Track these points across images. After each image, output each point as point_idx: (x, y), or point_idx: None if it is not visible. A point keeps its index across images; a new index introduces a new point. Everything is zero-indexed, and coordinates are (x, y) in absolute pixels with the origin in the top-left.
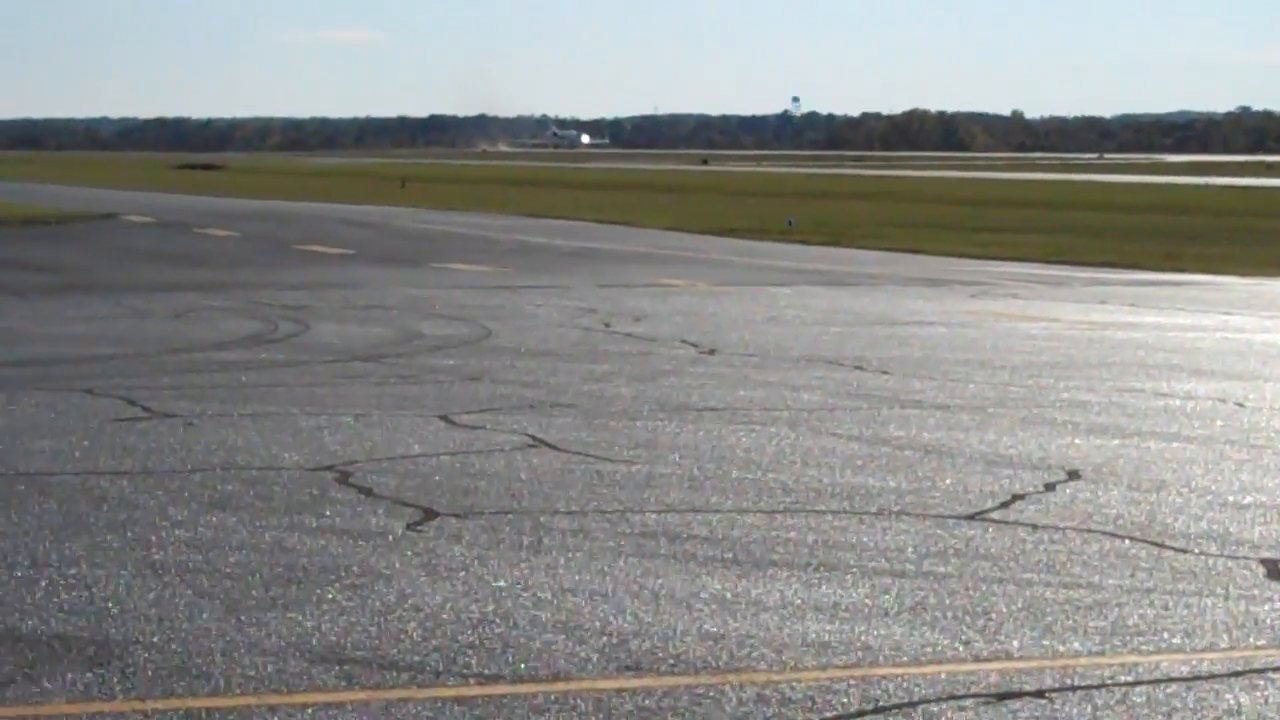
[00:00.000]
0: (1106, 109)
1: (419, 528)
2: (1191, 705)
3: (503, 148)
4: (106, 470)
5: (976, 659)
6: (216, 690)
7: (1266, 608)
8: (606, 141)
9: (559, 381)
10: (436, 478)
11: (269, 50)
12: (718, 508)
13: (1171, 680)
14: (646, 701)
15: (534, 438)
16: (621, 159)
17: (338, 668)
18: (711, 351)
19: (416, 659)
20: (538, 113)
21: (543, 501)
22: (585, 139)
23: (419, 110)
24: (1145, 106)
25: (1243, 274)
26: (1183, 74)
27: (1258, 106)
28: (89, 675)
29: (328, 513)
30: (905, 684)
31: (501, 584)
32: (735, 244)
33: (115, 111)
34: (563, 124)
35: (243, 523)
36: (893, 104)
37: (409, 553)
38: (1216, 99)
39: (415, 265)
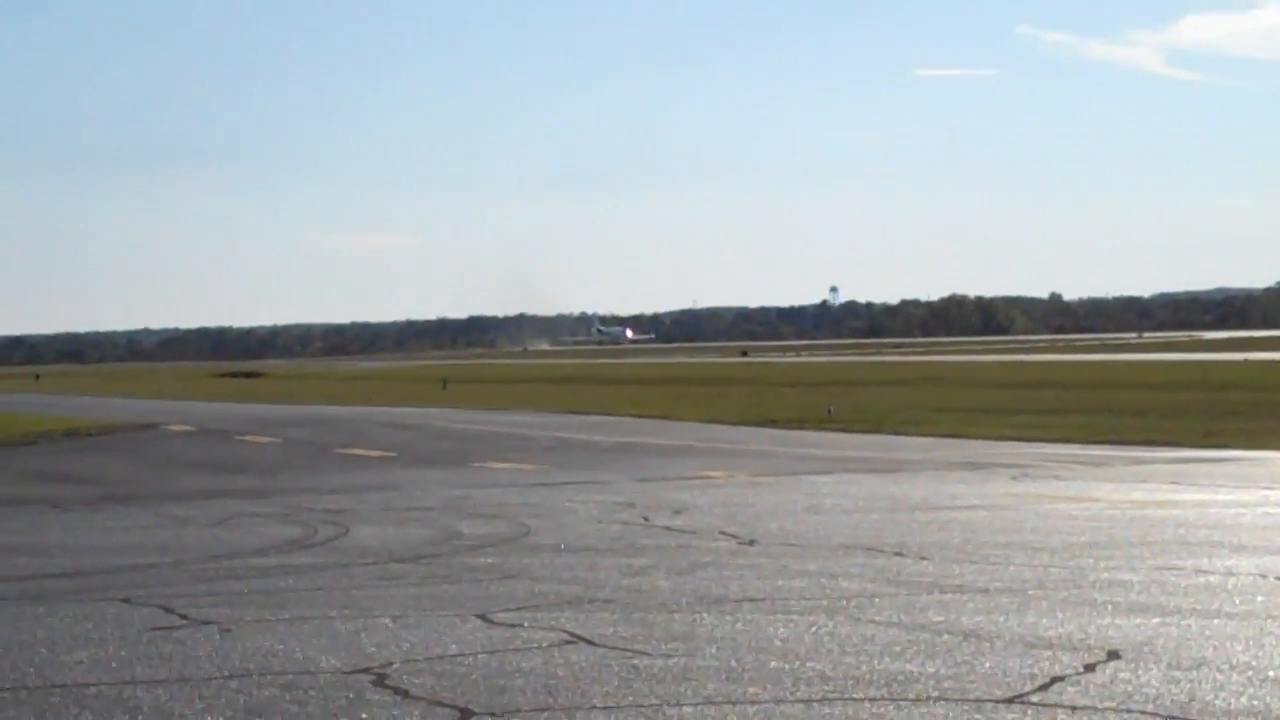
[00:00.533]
0: (1144, 288)
1: None
2: None
3: (545, 346)
4: (143, 679)
5: None
6: None
7: None
8: (652, 336)
9: (597, 577)
10: (473, 677)
11: (309, 257)
12: (755, 699)
13: None
14: None
15: (571, 634)
16: (662, 353)
17: None
18: (751, 542)
19: None
20: (576, 311)
21: (579, 698)
22: (629, 334)
23: (458, 312)
24: (1183, 285)
25: None
26: (1219, 251)
27: None
28: None
29: (364, 716)
30: None
31: None
32: (775, 434)
33: (157, 322)
34: (605, 320)
35: None
36: (930, 290)
37: None
38: (1254, 275)
39: (455, 465)
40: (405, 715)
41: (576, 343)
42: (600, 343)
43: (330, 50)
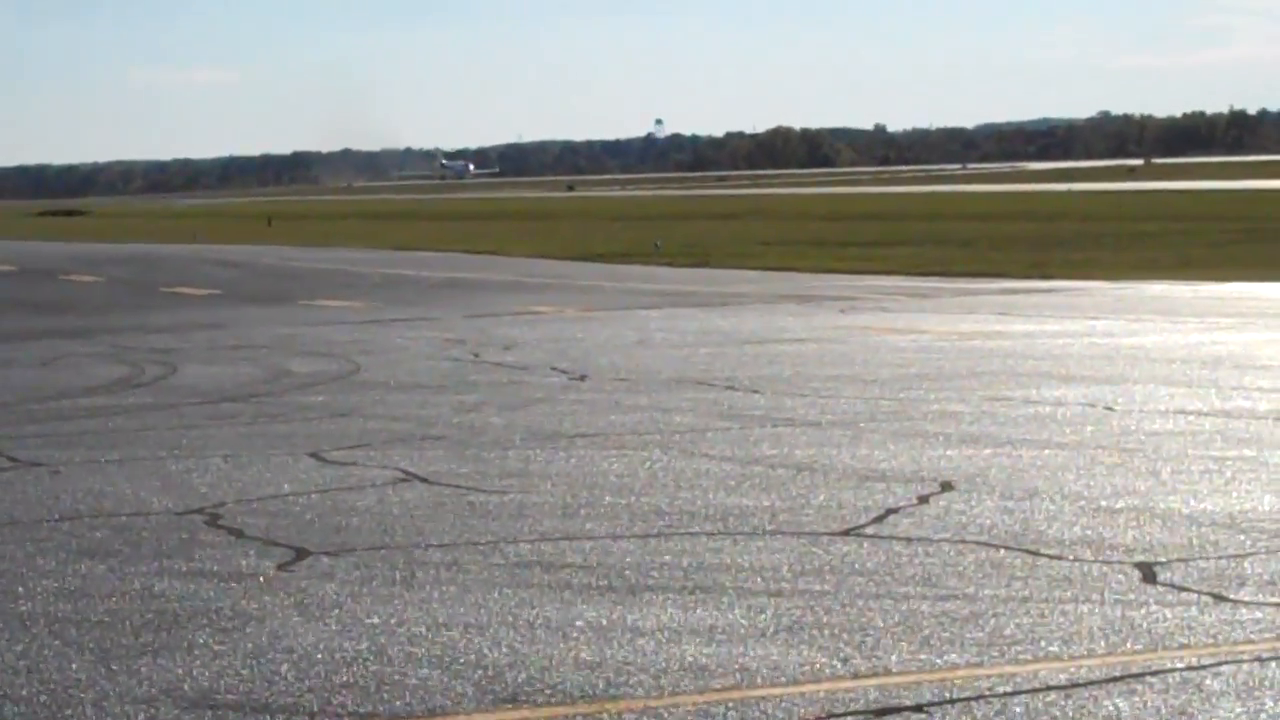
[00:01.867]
0: (968, 120)
1: (290, 568)
2: (1070, 713)
3: (383, 182)
4: None
5: (855, 676)
6: None
7: (1142, 612)
8: (497, 170)
9: (429, 414)
10: (307, 516)
11: (129, 92)
12: (592, 534)
13: (1050, 689)
14: None
15: (405, 472)
16: (488, 189)
17: (210, 713)
18: (582, 377)
19: (290, 700)
20: (401, 145)
21: (415, 536)
22: (472, 168)
23: (282, 147)
24: (1007, 115)
25: (1109, 278)
26: (1043, 82)
27: (1117, 111)
28: None
29: (197, 556)
30: (784, 704)
31: (375, 621)
32: (603, 268)
33: None
34: (449, 155)
35: (111, 570)
36: (756, 123)
37: (281, 593)
38: (1077, 105)
39: (283, 303)
40: (239, 555)
41: (419, 178)
42: (443, 177)
43: None
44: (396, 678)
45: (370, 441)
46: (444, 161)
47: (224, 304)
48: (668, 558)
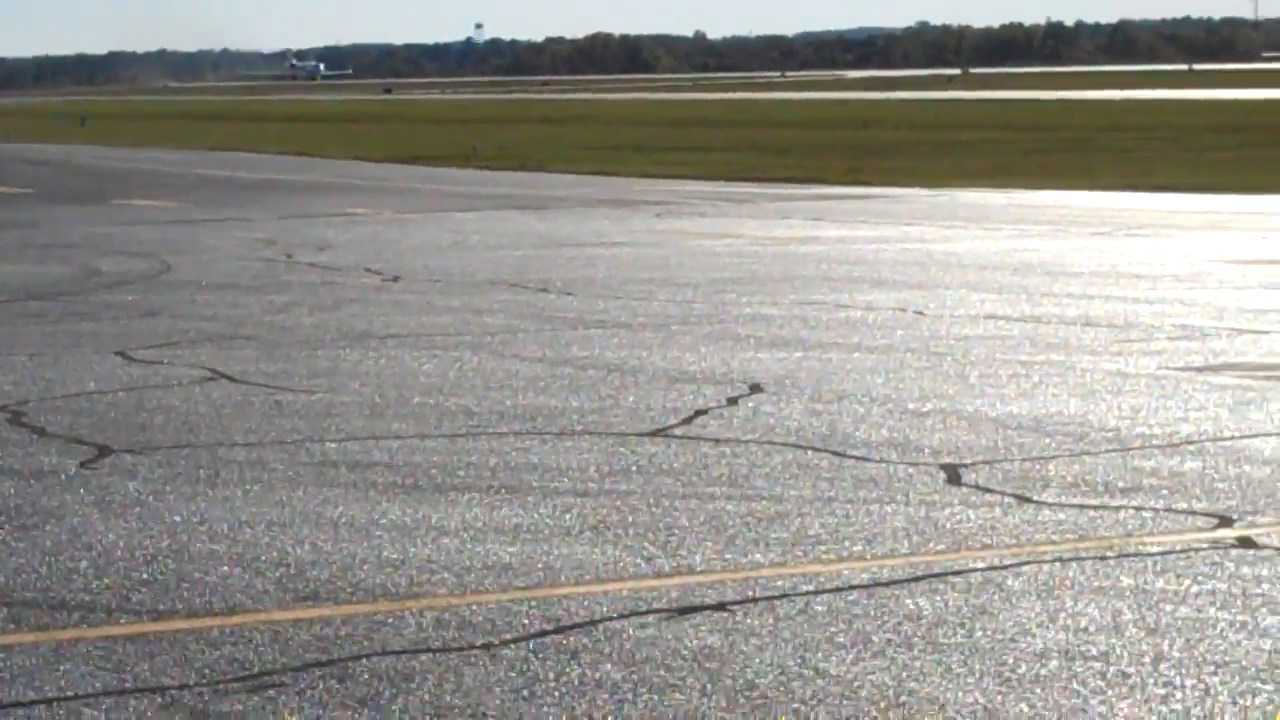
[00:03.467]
0: (788, 27)
1: (92, 465)
2: (872, 612)
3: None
4: None
5: (658, 574)
6: None
7: (946, 513)
8: (349, 71)
9: (239, 314)
10: (112, 415)
11: None
12: (399, 434)
13: (853, 588)
14: (325, 631)
15: (213, 371)
16: (303, 90)
17: (6, 610)
18: (395, 279)
19: (87, 598)
20: (218, 46)
21: (220, 434)
22: (322, 68)
23: (98, 47)
24: (826, 24)
25: (923, 186)
26: None
27: (935, 21)
28: None
29: None
30: (587, 602)
31: (177, 518)
32: (420, 171)
33: None
34: (300, 55)
35: None
36: (576, 28)
37: (81, 491)
38: (896, 15)
39: (95, 202)
40: (41, 452)
41: (270, 78)
42: (294, 78)
43: None
44: (196, 575)
45: (178, 340)
46: (294, 62)
47: (34, 202)
48: (474, 458)
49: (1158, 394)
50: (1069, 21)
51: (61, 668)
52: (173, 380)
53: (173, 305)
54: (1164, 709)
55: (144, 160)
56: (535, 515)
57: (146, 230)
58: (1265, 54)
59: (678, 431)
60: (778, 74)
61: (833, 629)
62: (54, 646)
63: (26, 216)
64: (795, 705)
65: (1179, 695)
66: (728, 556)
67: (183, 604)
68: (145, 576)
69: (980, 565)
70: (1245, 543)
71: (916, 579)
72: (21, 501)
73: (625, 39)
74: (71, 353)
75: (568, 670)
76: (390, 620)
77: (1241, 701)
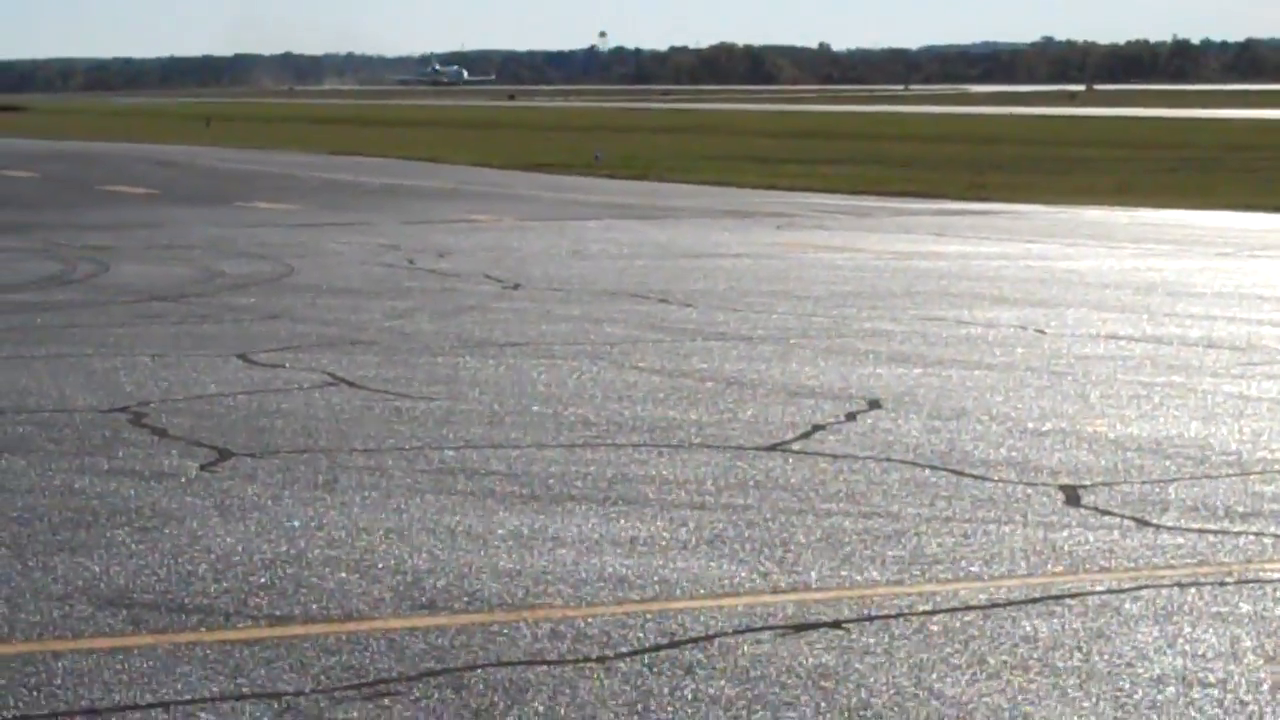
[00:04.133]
0: (912, 41)
1: (213, 468)
2: (989, 633)
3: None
4: None
5: (774, 590)
6: (0, 637)
7: (1064, 534)
8: (492, 77)
9: (360, 319)
10: (232, 418)
11: None
12: (517, 443)
13: (969, 608)
14: (440, 640)
15: (333, 376)
16: (430, 95)
17: (125, 611)
18: (516, 286)
19: (205, 601)
20: (342, 50)
21: (339, 440)
22: (465, 74)
23: (224, 49)
24: (950, 38)
25: (1046, 202)
26: (987, 5)
27: (1060, 37)
28: None
29: (120, 455)
30: (702, 617)
31: (295, 524)
32: (542, 179)
33: None
34: (443, 59)
35: (32, 465)
36: (700, 38)
37: (201, 494)
38: (1020, 30)
39: (219, 204)
40: (162, 454)
41: (414, 82)
42: (435, 83)
43: None
44: (314, 581)
45: (299, 344)
46: (436, 66)
47: (160, 203)
48: (592, 468)
49: (1279, 418)
50: (1195, 39)
51: (178, 670)
52: (293, 384)
53: (294, 309)
54: None
55: (268, 163)
56: (651, 528)
57: (269, 233)
58: None
59: (795, 446)
60: (901, 87)
61: (948, 650)
62: (171, 649)
63: (151, 217)
64: None
65: None
66: (843, 574)
67: (300, 609)
68: (263, 581)
69: (1098, 588)
70: None
71: (1033, 601)
72: (141, 503)
73: (749, 49)
74: (193, 355)
75: (682, 685)
76: (505, 631)
77: None
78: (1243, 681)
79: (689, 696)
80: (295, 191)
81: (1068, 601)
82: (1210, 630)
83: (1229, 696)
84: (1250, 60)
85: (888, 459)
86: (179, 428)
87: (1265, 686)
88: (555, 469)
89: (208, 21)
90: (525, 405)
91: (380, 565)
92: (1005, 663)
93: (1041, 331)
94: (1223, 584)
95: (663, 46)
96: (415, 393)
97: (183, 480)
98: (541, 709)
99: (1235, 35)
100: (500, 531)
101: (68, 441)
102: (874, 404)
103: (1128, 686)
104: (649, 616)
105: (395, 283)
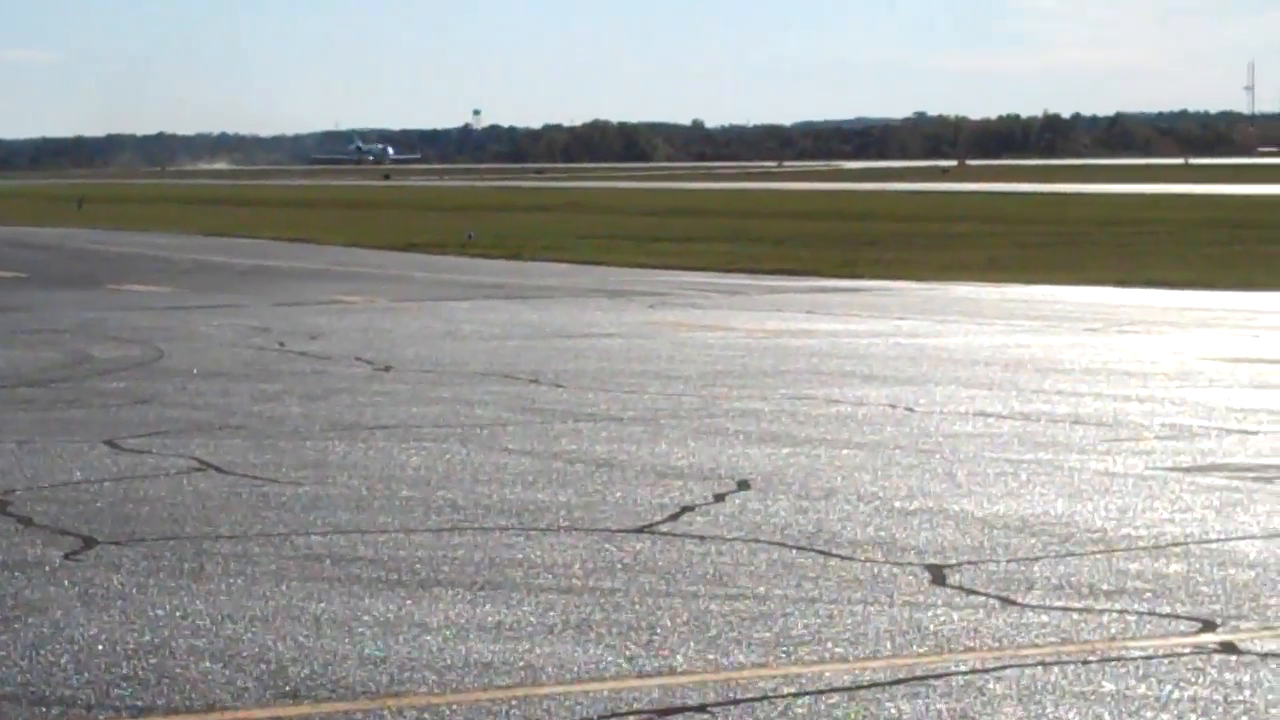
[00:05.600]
0: (786, 117)
1: (77, 556)
2: (853, 715)
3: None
4: None
5: (640, 674)
6: None
7: (930, 614)
8: (418, 156)
9: (229, 403)
10: (98, 504)
11: None
12: (384, 528)
13: (834, 690)
14: None
15: (201, 461)
16: (303, 175)
17: None
18: (387, 368)
19: (67, 693)
20: (216, 130)
21: (206, 526)
22: (391, 152)
23: (95, 130)
24: (824, 114)
25: (918, 278)
26: (859, 82)
27: (933, 112)
28: None
29: None
30: (567, 702)
31: (160, 612)
32: (415, 259)
33: None
34: (365, 137)
35: None
36: (574, 116)
37: (66, 583)
38: (894, 105)
39: (90, 287)
40: (26, 543)
41: (334, 160)
42: (359, 162)
43: None
44: (177, 671)
45: (168, 429)
46: (359, 144)
47: (28, 287)
48: (460, 552)
49: (1145, 494)
50: (1066, 114)
51: None
52: (161, 470)
53: (163, 393)
54: None
55: (140, 244)
56: (519, 612)
57: (140, 316)
58: (1261, 149)
59: (664, 528)
60: (774, 163)
61: None
62: None
63: (20, 301)
64: None
65: None
66: (710, 656)
67: (163, 700)
68: (126, 672)
69: (962, 668)
70: (1228, 648)
71: (898, 682)
72: (3, 593)
73: (623, 126)
74: (60, 441)
75: None
76: (369, 719)
77: None
78: None
79: None
80: (167, 273)
81: (932, 682)
82: (1074, 710)
83: None
84: (1121, 134)
85: (755, 540)
86: (44, 515)
87: None
88: (423, 554)
89: (79, 102)
90: (394, 489)
91: (245, 654)
92: None
93: (910, 409)
94: (1086, 662)
95: (537, 124)
96: (283, 477)
97: (46, 569)
98: None
99: (1105, 110)
100: (366, 618)
101: None
102: (743, 484)
103: None
104: (514, 703)
105: (265, 366)
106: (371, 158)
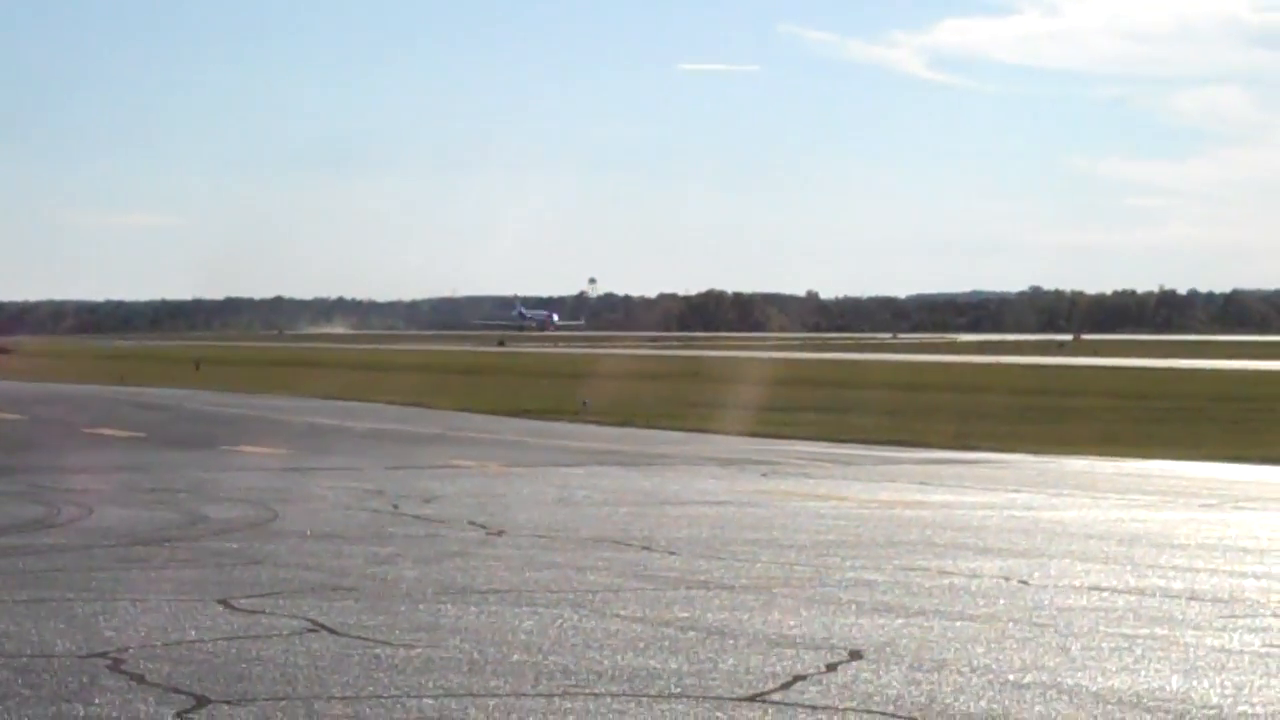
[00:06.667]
0: (900, 289)
1: (189, 715)
2: None
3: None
4: None
5: None
6: None
7: None
8: (581, 322)
9: (343, 564)
10: (211, 664)
11: (60, 232)
12: (496, 691)
13: None
14: None
15: (314, 622)
16: (419, 340)
17: None
18: (500, 533)
19: None
20: (334, 295)
21: (318, 687)
22: (555, 318)
23: (214, 293)
24: (938, 286)
25: (1032, 451)
26: (974, 253)
27: (1048, 286)
28: None
29: (96, 701)
30: None
31: None
32: (529, 425)
33: None
34: (526, 302)
35: (8, 710)
36: (689, 285)
37: None
38: (1009, 280)
39: (205, 448)
40: (139, 701)
41: (499, 326)
42: (521, 328)
43: (74, 15)
44: None
45: (281, 590)
46: (522, 310)
47: (146, 447)
48: (571, 718)
49: (1261, 671)
50: (1182, 290)
51: None
52: (274, 631)
53: (277, 554)
54: None
55: (255, 406)
56: None
57: (254, 477)
58: None
59: (775, 697)
60: (889, 335)
61: None
62: None
63: (138, 461)
64: None
65: None
66: None
67: None
68: None
69: None
70: None
71: None
72: None
73: (738, 296)
74: (174, 599)
75: None
76: None
77: None
78: None
79: None
80: (281, 435)
81: None
82: None
83: None
84: (1236, 311)
85: (868, 710)
86: (156, 674)
87: None
88: (533, 718)
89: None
90: (505, 654)
91: None
92: None
93: (1024, 582)
94: None
95: (652, 293)
96: (396, 640)
97: None
98: None
99: (1221, 286)
100: None
101: (45, 687)
102: (855, 654)
103: None
104: None
105: (379, 528)
106: (535, 323)
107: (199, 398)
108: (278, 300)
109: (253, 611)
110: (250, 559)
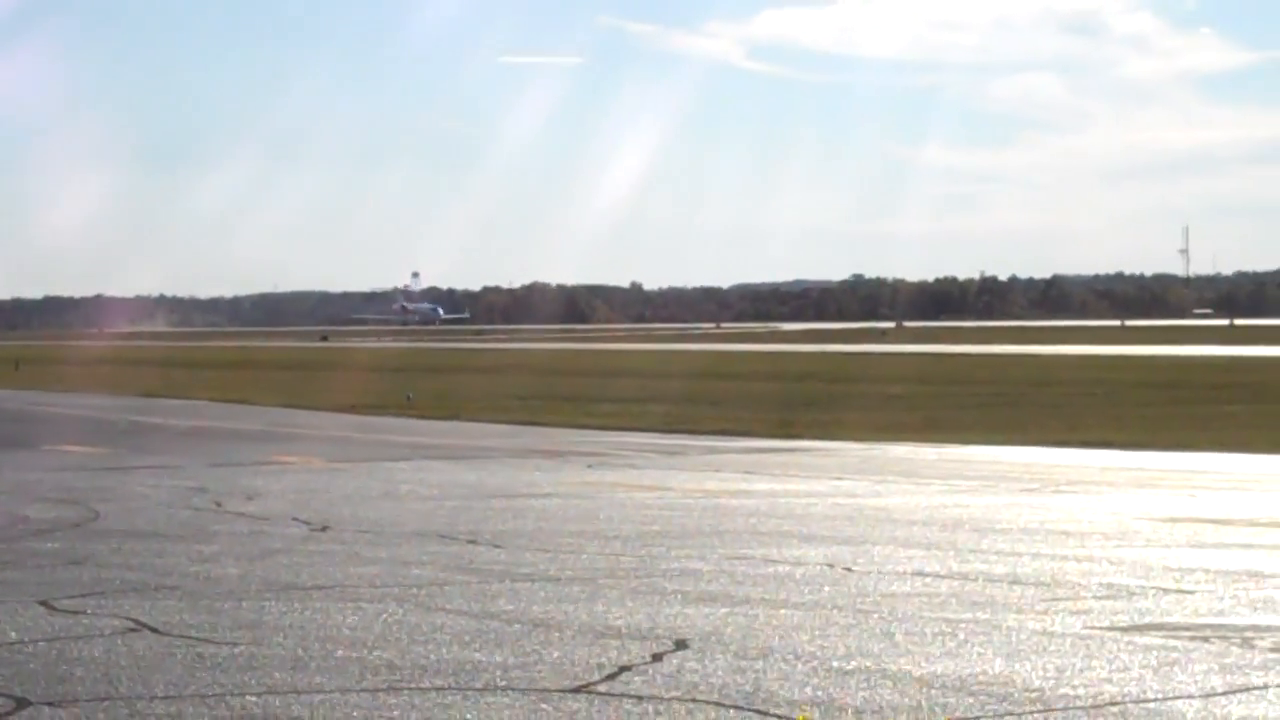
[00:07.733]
0: (723, 279)
1: (9, 718)
2: None
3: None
4: None
5: None
6: None
7: None
8: (468, 315)
9: (165, 563)
10: (32, 666)
11: None
12: (320, 688)
13: None
14: None
15: (136, 621)
16: (240, 337)
17: None
18: (323, 528)
19: None
20: (155, 292)
21: (141, 687)
22: (441, 312)
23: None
24: (761, 276)
25: (856, 439)
26: (797, 243)
27: (870, 274)
28: None
29: None
30: None
31: None
32: (354, 419)
33: None
34: (410, 296)
35: None
36: (512, 278)
37: None
38: (831, 268)
39: (26, 448)
40: None
41: (380, 321)
42: (405, 323)
43: None
44: None
45: (103, 590)
46: (405, 304)
47: None
48: (396, 713)
49: (1083, 654)
50: (1003, 276)
51: None
52: (95, 631)
53: (99, 554)
54: None
55: (78, 405)
56: None
57: (76, 477)
58: (1196, 310)
59: (601, 688)
60: (713, 325)
61: None
62: None
63: None
64: None
65: None
66: None
67: None
68: None
69: None
70: None
71: None
72: None
73: (562, 288)
74: None
75: None
76: None
77: None
78: None
79: None
80: (103, 434)
81: None
82: None
83: None
84: (1057, 296)
85: (693, 700)
86: None
87: None
88: (359, 714)
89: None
90: (330, 650)
91: None
92: None
93: (848, 569)
94: None
95: (476, 286)
96: (219, 638)
97: None
98: None
99: (1042, 272)
100: None
101: None
102: (681, 644)
103: None
104: None
105: (202, 526)
106: (418, 318)
107: (20, 398)
108: (98, 299)
109: (74, 612)
110: (71, 559)
